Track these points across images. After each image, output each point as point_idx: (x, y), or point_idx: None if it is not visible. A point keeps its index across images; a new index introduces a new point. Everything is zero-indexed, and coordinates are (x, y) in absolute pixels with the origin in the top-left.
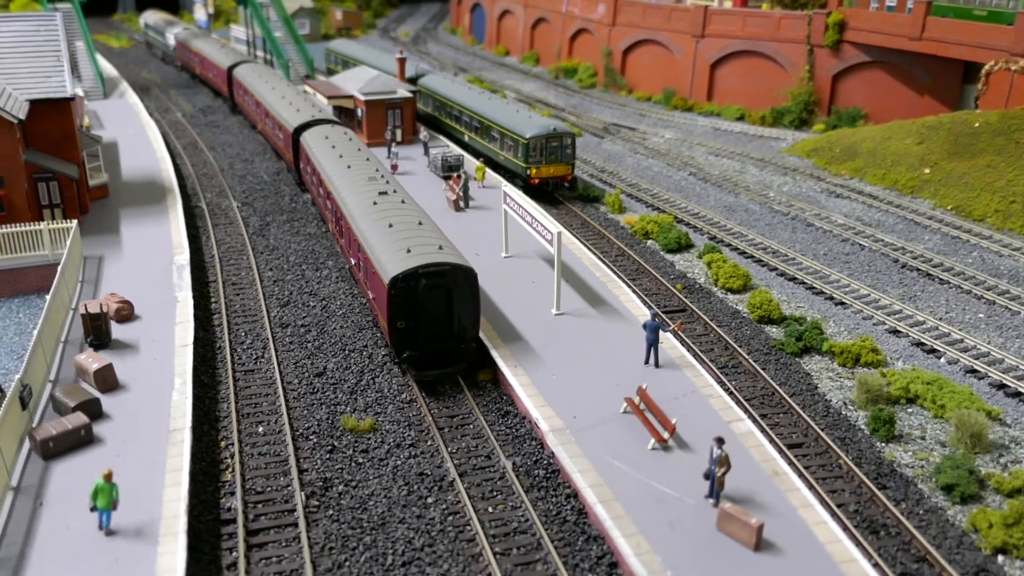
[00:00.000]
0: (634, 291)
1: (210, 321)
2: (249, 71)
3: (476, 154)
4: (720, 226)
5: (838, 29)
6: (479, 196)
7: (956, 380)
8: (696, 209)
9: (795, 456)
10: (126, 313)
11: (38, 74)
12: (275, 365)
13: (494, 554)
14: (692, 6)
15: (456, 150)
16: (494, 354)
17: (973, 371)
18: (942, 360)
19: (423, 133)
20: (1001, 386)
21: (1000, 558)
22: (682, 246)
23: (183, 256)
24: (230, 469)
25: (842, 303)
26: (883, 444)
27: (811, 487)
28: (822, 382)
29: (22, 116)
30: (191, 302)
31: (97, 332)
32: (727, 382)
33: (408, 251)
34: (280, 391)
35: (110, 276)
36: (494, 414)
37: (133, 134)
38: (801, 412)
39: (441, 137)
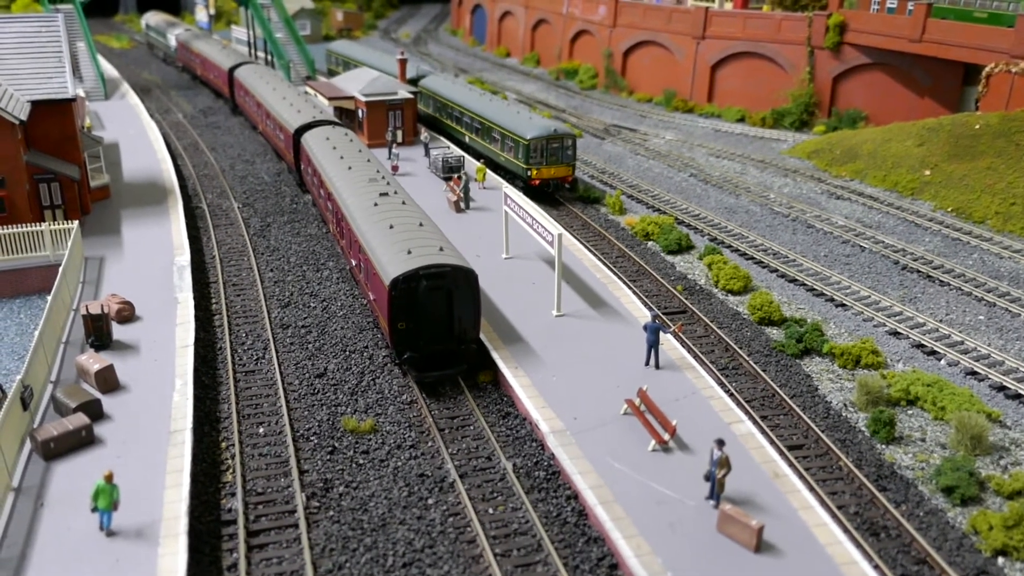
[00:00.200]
0: (635, 292)
1: (211, 322)
2: (250, 72)
3: (477, 155)
4: (721, 227)
5: (839, 31)
6: (480, 197)
7: (956, 382)
8: (697, 210)
9: (795, 458)
10: (127, 314)
11: (39, 75)
12: (276, 366)
13: (495, 555)
14: (693, 8)
15: (457, 151)
16: (495, 355)
17: (973, 373)
18: (942, 362)
19: (424, 134)
20: (1001, 388)
21: (1000, 560)
22: (683, 247)
23: (184, 257)
24: (231, 470)
25: (842, 305)
26: (883, 446)
27: (811, 489)
28: (822, 384)
29: (23, 117)
30: (192, 303)
31: (98, 333)
32: (727, 384)
33: (409, 252)
34: (281, 392)
35: (111, 277)
36: (495, 415)
37: (134, 135)
38: (801, 414)
39: (442, 138)
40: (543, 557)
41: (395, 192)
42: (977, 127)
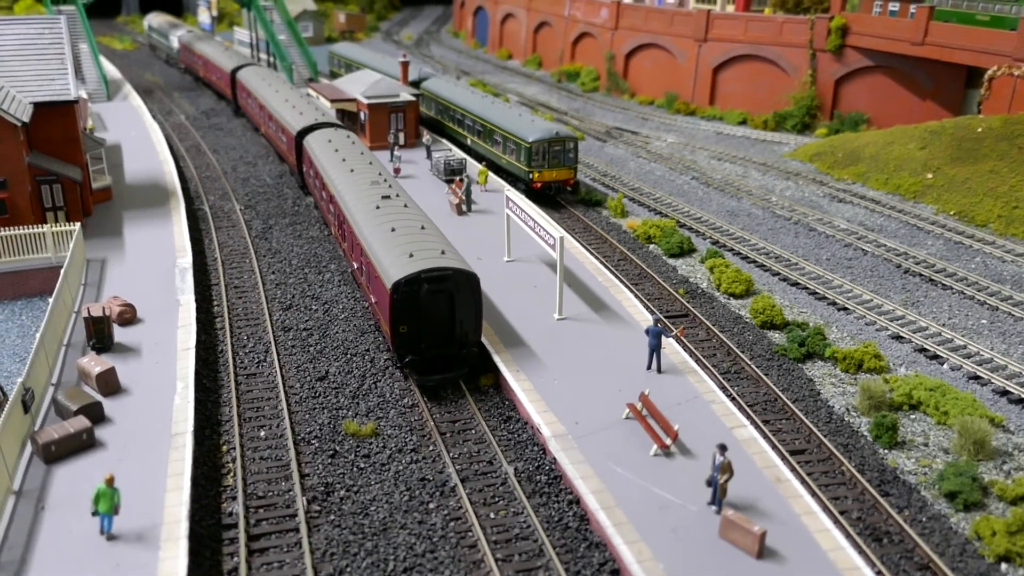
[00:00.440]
0: (636, 296)
1: (212, 324)
2: (252, 74)
3: (479, 158)
4: (722, 231)
5: (841, 34)
6: (481, 200)
7: (959, 386)
8: (698, 213)
9: (798, 463)
10: (128, 316)
11: (42, 77)
12: (277, 369)
13: (496, 560)
14: (695, 10)
15: (459, 154)
16: (496, 359)
17: (976, 377)
18: (945, 366)
19: (426, 137)
20: (1004, 392)
21: (1003, 566)
22: (684, 251)
23: (186, 259)
24: (232, 473)
25: (845, 308)
26: (886, 451)
27: (814, 494)
28: (825, 388)
29: (26, 119)
30: (193, 305)
31: (99, 335)
32: (729, 388)
33: (411, 255)
34: (282, 395)
35: (113, 279)
36: (496, 419)
37: (136, 137)
38: (804, 418)
39: (444, 141)
40: (544, 562)
41: (397, 195)
42: (979, 130)
